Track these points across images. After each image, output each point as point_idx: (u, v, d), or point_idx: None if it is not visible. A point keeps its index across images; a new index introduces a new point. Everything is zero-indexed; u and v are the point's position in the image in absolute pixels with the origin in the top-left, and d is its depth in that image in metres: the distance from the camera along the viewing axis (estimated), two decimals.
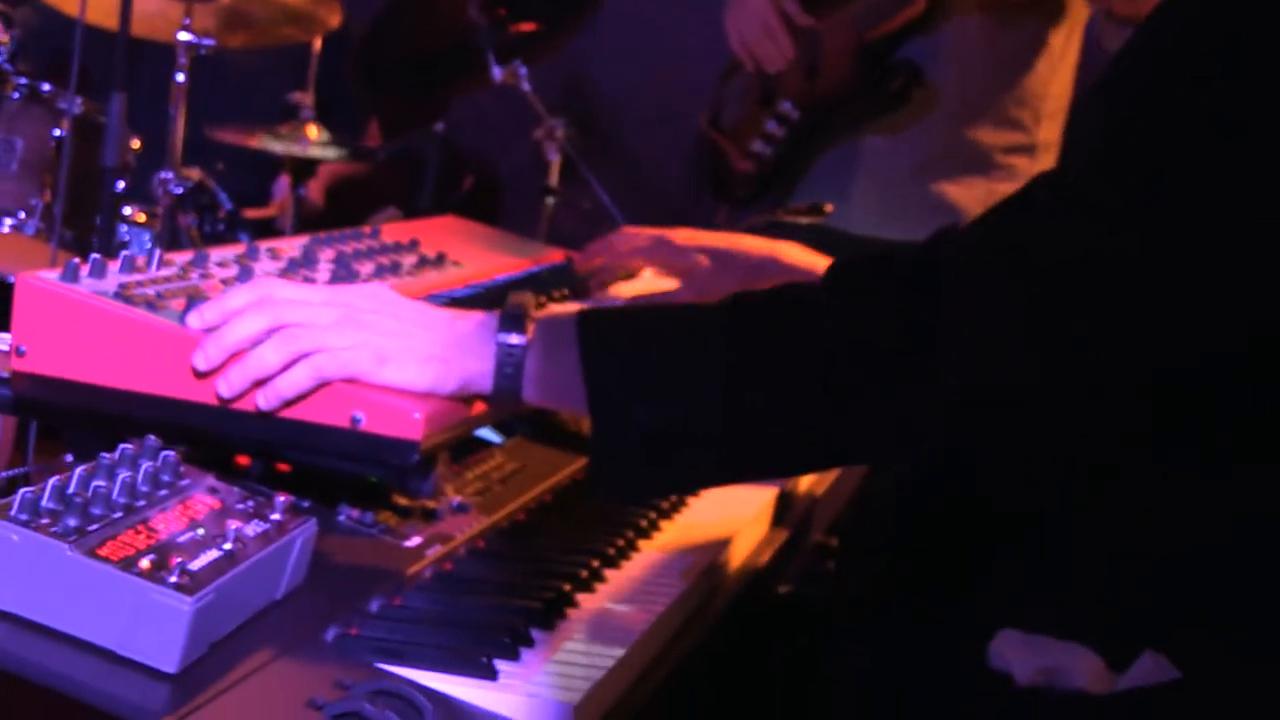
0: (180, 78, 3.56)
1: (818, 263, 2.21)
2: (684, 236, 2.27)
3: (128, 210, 3.79)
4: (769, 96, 3.65)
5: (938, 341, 1.38)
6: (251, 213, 4.10)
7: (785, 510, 2.02)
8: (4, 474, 2.52)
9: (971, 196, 3.52)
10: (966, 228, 1.48)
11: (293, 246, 1.87)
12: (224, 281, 1.63)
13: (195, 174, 3.68)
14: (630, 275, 2.37)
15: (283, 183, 4.36)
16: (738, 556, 1.83)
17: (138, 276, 1.56)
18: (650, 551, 1.72)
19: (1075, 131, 1.58)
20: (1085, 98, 1.56)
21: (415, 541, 1.54)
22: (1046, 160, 3.58)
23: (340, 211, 4.55)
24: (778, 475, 1.87)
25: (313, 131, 3.96)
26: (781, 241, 2.26)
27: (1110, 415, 1.45)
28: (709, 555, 1.73)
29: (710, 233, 2.30)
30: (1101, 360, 1.38)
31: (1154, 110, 1.40)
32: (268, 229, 4.24)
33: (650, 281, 2.36)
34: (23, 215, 3.56)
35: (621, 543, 1.68)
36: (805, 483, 2.11)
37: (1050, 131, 3.57)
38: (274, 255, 1.82)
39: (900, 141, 3.52)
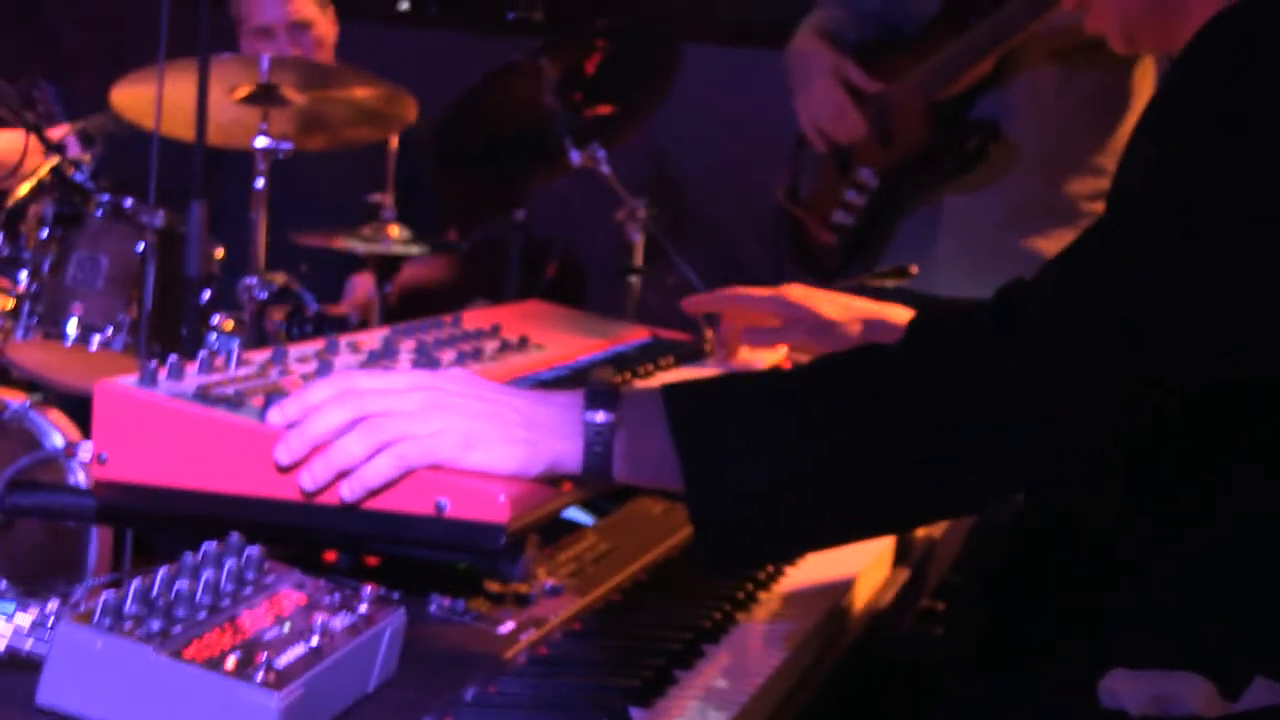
0: (260, 183, 3.59)
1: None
2: (799, 293, 2.27)
3: (215, 319, 3.82)
4: (846, 165, 3.63)
5: (1015, 384, 1.42)
6: (332, 309, 4.12)
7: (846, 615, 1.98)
8: (96, 581, 2.52)
9: (1061, 248, 3.47)
10: (1033, 277, 1.52)
11: (373, 339, 1.86)
12: (304, 377, 1.62)
13: (280, 278, 3.70)
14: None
15: (355, 281, 4.39)
16: (839, 623, 1.80)
17: (216, 376, 1.56)
18: (749, 623, 1.69)
19: (1125, 172, 1.63)
20: (1130, 140, 1.62)
21: (509, 627, 1.51)
22: None
23: (427, 310, 4.57)
24: (876, 531, 1.84)
25: (394, 230, 3.98)
26: (890, 304, 2.26)
27: (1181, 443, 1.49)
28: (806, 624, 1.69)
29: (822, 290, 2.30)
30: (1171, 389, 1.43)
31: (1188, 153, 1.47)
32: (352, 328, 4.27)
33: (753, 356, 2.35)
34: (110, 331, 3.59)
35: (719, 616, 1.65)
36: (866, 590, 2.05)
37: None
38: (354, 349, 1.81)
39: (982, 198, 3.49)
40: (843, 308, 2.26)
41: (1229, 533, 1.53)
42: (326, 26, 4.52)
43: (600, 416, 1.47)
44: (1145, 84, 3.51)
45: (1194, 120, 1.47)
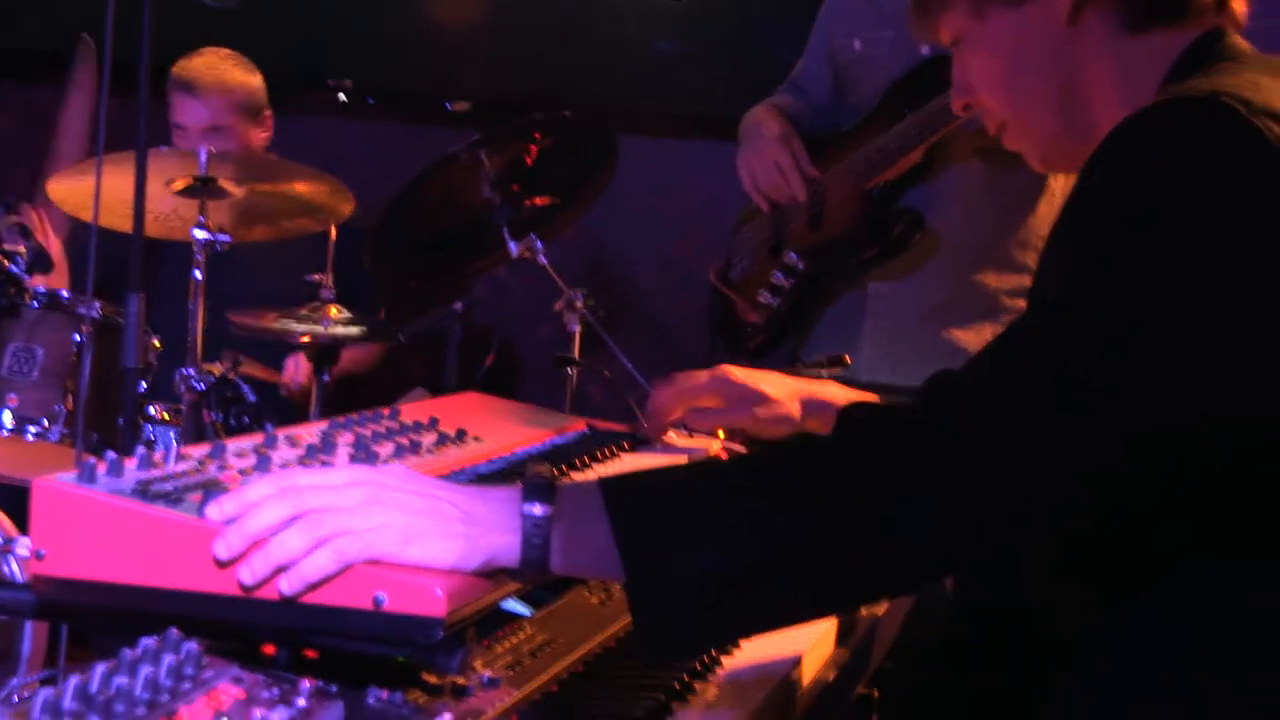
0: (198, 274, 3.59)
1: (863, 399, 2.26)
2: (740, 373, 2.32)
3: (152, 410, 3.82)
4: (777, 248, 3.69)
5: (944, 480, 1.45)
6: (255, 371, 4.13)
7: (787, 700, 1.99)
8: (33, 677, 2.50)
9: (980, 340, 3.54)
10: (961, 371, 1.55)
11: (310, 433, 1.88)
12: (242, 472, 1.63)
13: (218, 369, 3.70)
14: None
15: (291, 360, 4.39)
16: (777, 710, 1.81)
17: (155, 472, 1.57)
18: (686, 714, 1.70)
19: (1044, 271, 1.68)
20: (1049, 239, 1.68)
21: (446, 719, 1.52)
22: None
23: (365, 396, 4.57)
24: (816, 614, 1.86)
25: (334, 311, 3.98)
26: (826, 382, 2.31)
27: (1112, 531, 1.56)
28: (744, 713, 1.70)
29: (762, 371, 2.34)
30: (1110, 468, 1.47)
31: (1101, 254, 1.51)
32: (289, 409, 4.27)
33: (686, 440, 2.38)
34: (45, 423, 3.58)
35: (657, 707, 1.66)
36: (807, 673, 2.03)
37: None
38: (292, 442, 1.82)
39: (906, 287, 3.55)
40: (780, 385, 2.30)
41: (1170, 619, 1.56)
42: (251, 131, 4.52)
43: (538, 509, 1.49)
44: (1062, 183, 3.59)
45: (1104, 222, 1.52)
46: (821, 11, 3.86)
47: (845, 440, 1.54)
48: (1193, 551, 1.56)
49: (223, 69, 4.50)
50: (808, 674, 1.94)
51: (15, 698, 2.75)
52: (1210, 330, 1.46)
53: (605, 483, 1.51)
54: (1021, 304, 3.56)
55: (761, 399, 2.29)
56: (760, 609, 1.51)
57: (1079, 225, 1.58)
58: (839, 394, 2.30)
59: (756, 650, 1.89)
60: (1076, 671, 1.65)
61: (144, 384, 3.68)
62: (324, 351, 4.01)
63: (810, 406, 2.30)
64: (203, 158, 3.64)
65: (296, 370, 4.39)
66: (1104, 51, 1.76)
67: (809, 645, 1.95)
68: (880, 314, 3.59)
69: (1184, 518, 1.54)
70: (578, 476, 2.00)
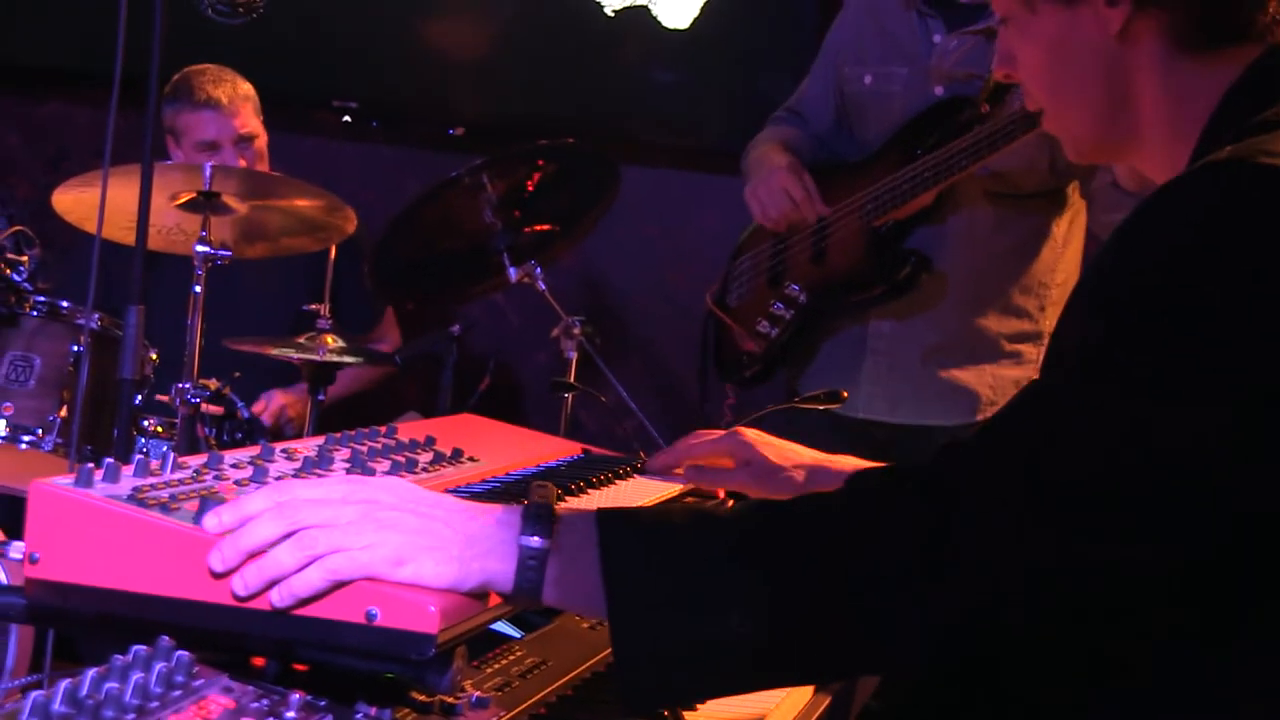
0: (197, 289, 3.59)
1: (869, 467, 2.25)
2: (752, 435, 2.31)
3: (146, 423, 3.81)
4: (776, 278, 3.70)
5: (953, 550, 1.42)
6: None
7: None
8: (18, 682, 2.49)
9: (980, 381, 3.55)
10: (974, 439, 1.52)
11: (308, 447, 1.87)
12: (238, 483, 1.63)
13: (213, 384, 3.70)
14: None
15: (271, 394, 4.39)
16: None
17: (152, 480, 1.56)
18: None
19: (1067, 331, 1.63)
20: (1067, 307, 1.64)
21: None
22: None
23: (359, 421, 4.57)
24: (798, 683, 1.86)
25: (330, 340, 3.99)
26: (838, 456, 2.29)
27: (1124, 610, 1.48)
28: None
29: (772, 437, 2.33)
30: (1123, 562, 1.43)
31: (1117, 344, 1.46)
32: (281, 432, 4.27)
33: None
34: (39, 432, 3.58)
35: None
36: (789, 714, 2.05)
37: (1055, 319, 3.60)
38: (289, 456, 1.82)
39: (908, 327, 3.56)
40: (791, 455, 2.28)
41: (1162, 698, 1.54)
42: (264, 136, 4.58)
43: (535, 541, 1.49)
44: (1074, 233, 3.61)
45: (1130, 309, 1.47)
46: (829, 38, 3.86)
47: (843, 517, 1.50)
48: (1182, 636, 1.53)
49: (231, 79, 4.56)
50: (789, 714, 1.93)
51: (7, 705, 2.75)
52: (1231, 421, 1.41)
53: (604, 524, 1.49)
54: (1022, 348, 3.57)
55: (768, 466, 2.27)
56: (744, 676, 1.51)
57: (1099, 305, 1.53)
58: (848, 464, 2.27)
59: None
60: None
61: (139, 397, 3.68)
62: (319, 372, 4.02)
63: (816, 475, 2.28)
64: (207, 172, 3.64)
65: (268, 406, 4.38)
66: (1155, 69, 1.69)
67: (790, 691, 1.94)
68: (880, 352, 3.60)
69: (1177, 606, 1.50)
70: (573, 501, 2.00)
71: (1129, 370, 1.43)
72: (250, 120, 4.53)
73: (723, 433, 2.33)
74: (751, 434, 2.30)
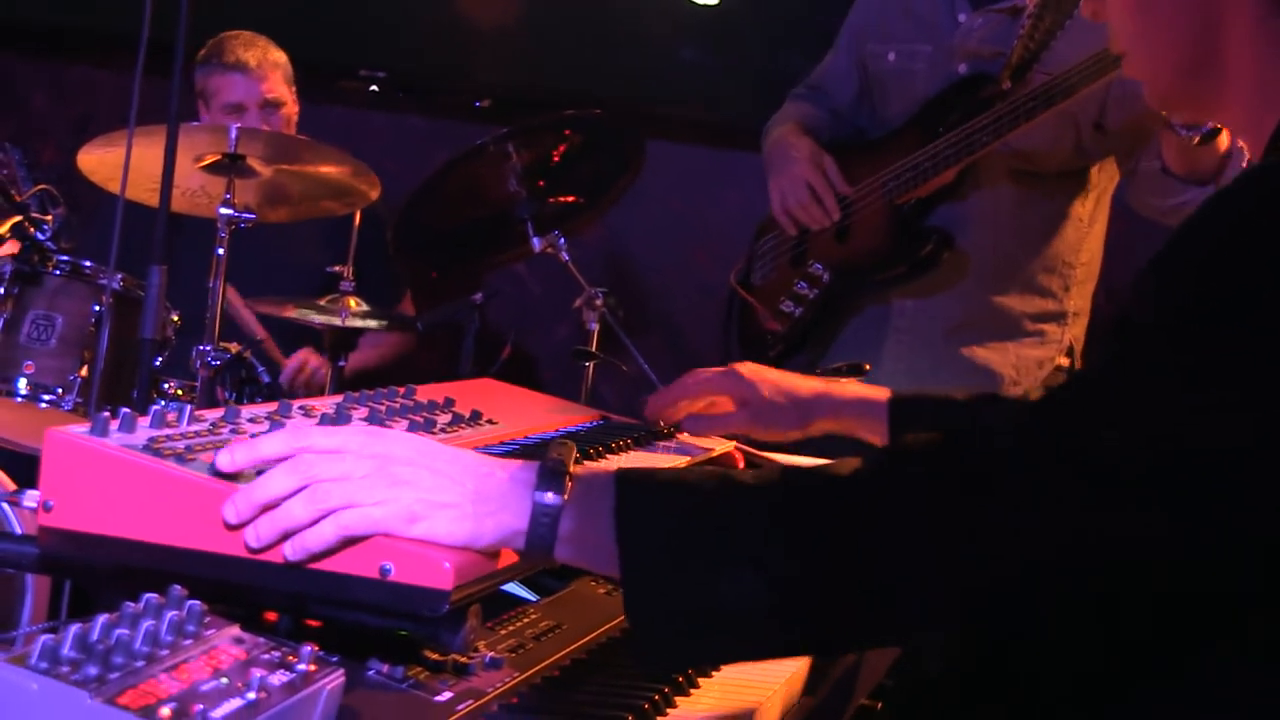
0: (220, 252, 3.59)
1: (872, 394, 2.24)
2: (749, 370, 2.30)
3: (166, 385, 3.82)
4: (799, 257, 3.68)
5: (982, 523, 1.38)
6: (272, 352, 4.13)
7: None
8: (31, 629, 2.48)
9: (1003, 360, 3.53)
10: (1015, 418, 1.49)
11: (326, 404, 1.86)
12: (254, 437, 1.62)
13: (234, 347, 3.70)
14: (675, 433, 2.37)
15: (295, 360, 4.39)
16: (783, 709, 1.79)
17: (168, 431, 1.56)
18: (688, 708, 1.68)
19: (1127, 312, 1.55)
20: (1139, 277, 1.55)
21: (446, 697, 1.51)
22: (1076, 327, 3.59)
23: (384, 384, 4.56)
24: (812, 653, 1.84)
25: (352, 303, 3.99)
26: (837, 380, 2.29)
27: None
28: (748, 711, 1.69)
29: (772, 369, 2.32)
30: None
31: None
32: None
33: (701, 440, 2.36)
34: (59, 391, 3.58)
35: (658, 699, 1.64)
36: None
37: (1079, 299, 3.59)
38: (307, 413, 1.81)
39: (930, 305, 3.54)
40: (789, 387, 2.28)
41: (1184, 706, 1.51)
42: (293, 106, 4.59)
43: (550, 497, 1.47)
44: (1099, 213, 3.59)
45: (1185, 302, 1.41)
46: (853, 15, 3.84)
47: (869, 485, 1.46)
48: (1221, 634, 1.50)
49: (263, 45, 4.59)
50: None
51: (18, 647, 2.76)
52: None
53: (621, 483, 1.47)
54: (1045, 327, 3.55)
55: (766, 405, 2.27)
56: (757, 641, 1.48)
57: (1158, 285, 1.46)
58: (853, 389, 2.28)
59: None
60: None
61: (159, 358, 3.68)
62: (341, 338, 4.02)
63: (819, 407, 2.28)
64: (233, 134, 3.64)
65: (299, 371, 4.38)
66: (1249, 25, 1.60)
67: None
68: (903, 330, 3.58)
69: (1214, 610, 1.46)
70: (591, 465, 1.99)
71: (1174, 363, 1.38)
72: (278, 87, 4.54)
73: (720, 370, 2.32)
74: (749, 369, 2.30)
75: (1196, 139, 2.79)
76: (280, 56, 4.60)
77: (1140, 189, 3.33)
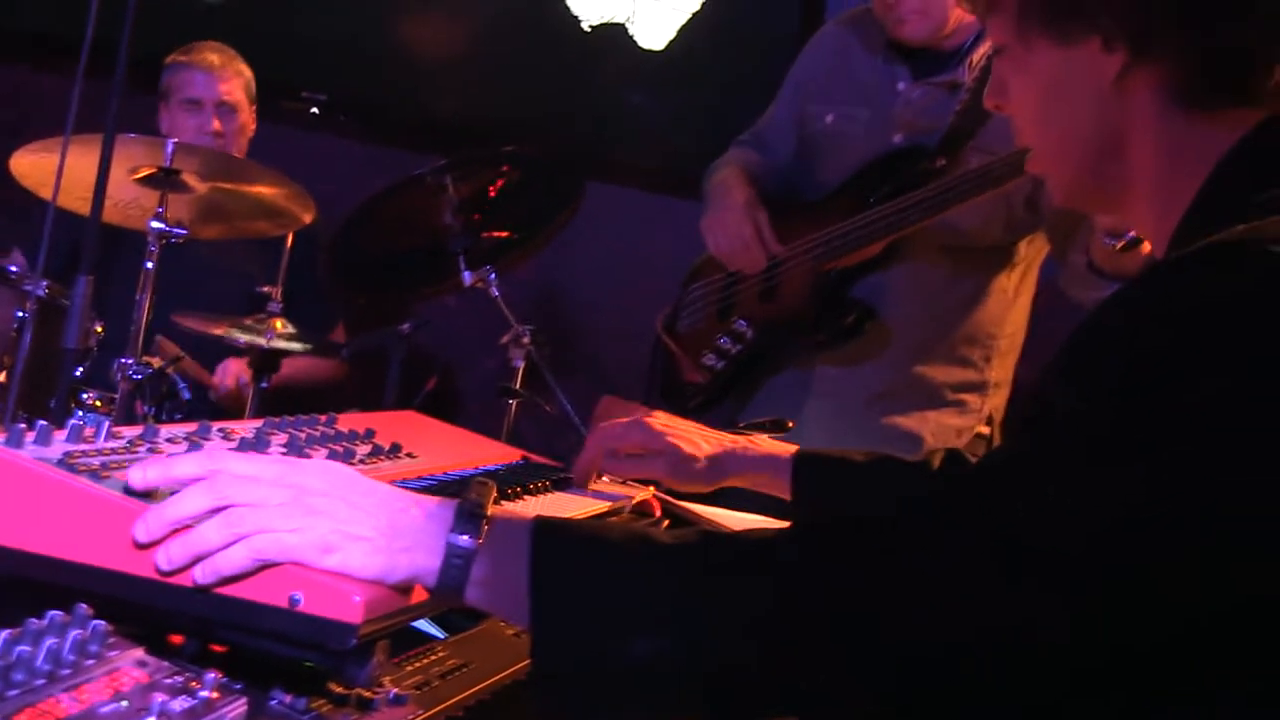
0: (149, 265, 3.57)
1: (779, 450, 2.27)
2: (660, 423, 2.31)
3: (85, 396, 3.78)
4: (726, 310, 3.70)
5: (901, 604, 1.36)
6: (191, 369, 4.10)
7: None
8: None
9: (923, 427, 3.56)
10: (933, 495, 1.47)
11: (245, 428, 1.86)
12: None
13: (156, 362, 3.67)
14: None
15: (227, 364, 4.36)
16: None
17: (84, 446, 1.55)
18: None
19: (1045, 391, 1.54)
20: (1045, 371, 1.54)
21: None
22: (997, 398, 3.63)
23: (302, 409, 4.54)
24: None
25: (279, 324, 3.97)
26: (748, 435, 2.30)
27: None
28: None
29: (685, 421, 2.32)
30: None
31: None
32: (220, 413, 4.23)
33: (617, 486, 2.36)
34: None
35: None
36: None
37: (1001, 370, 3.63)
38: (226, 435, 1.80)
39: (853, 373, 3.57)
40: (699, 442, 2.29)
41: None
42: (249, 117, 4.62)
43: (465, 540, 1.46)
44: (1025, 286, 3.63)
45: (1123, 384, 1.39)
46: (795, 72, 3.87)
47: (788, 558, 1.44)
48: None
49: (232, 55, 4.71)
50: None
51: None
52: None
53: (537, 532, 1.46)
54: (966, 397, 3.58)
55: (681, 456, 2.28)
56: (664, 705, 1.45)
57: (1090, 364, 1.44)
58: (769, 445, 2.29)
59: None
60: None
61: (80, 369, 3.65)
62: (265, 359, 3.99)
63: (729, 463, 2.29)
64: (169, 149, 3.62)
65: (225, 375, 4.36)
66: (1150, 122, 1.63)
67: None
68: (825, 395, 3.60)
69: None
70: (509, 506, 1.99)
71: (1113, 442, 1.37)
72: (237, 92, 4.65)
73: (629, 418, 2.33)
74: (660, 422, 2.31)
75: (1120, 245, 2.80)
76: (245, 69, 4.71)
77: (1069, 280, 3.37)
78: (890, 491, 2.13)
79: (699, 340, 3.77)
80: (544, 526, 1.48)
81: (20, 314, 3.58)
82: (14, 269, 3.63)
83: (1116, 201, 1.72)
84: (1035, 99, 1.73)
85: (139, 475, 1.43)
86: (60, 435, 1.55)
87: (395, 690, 1.62)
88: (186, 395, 3.90)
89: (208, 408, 4.19)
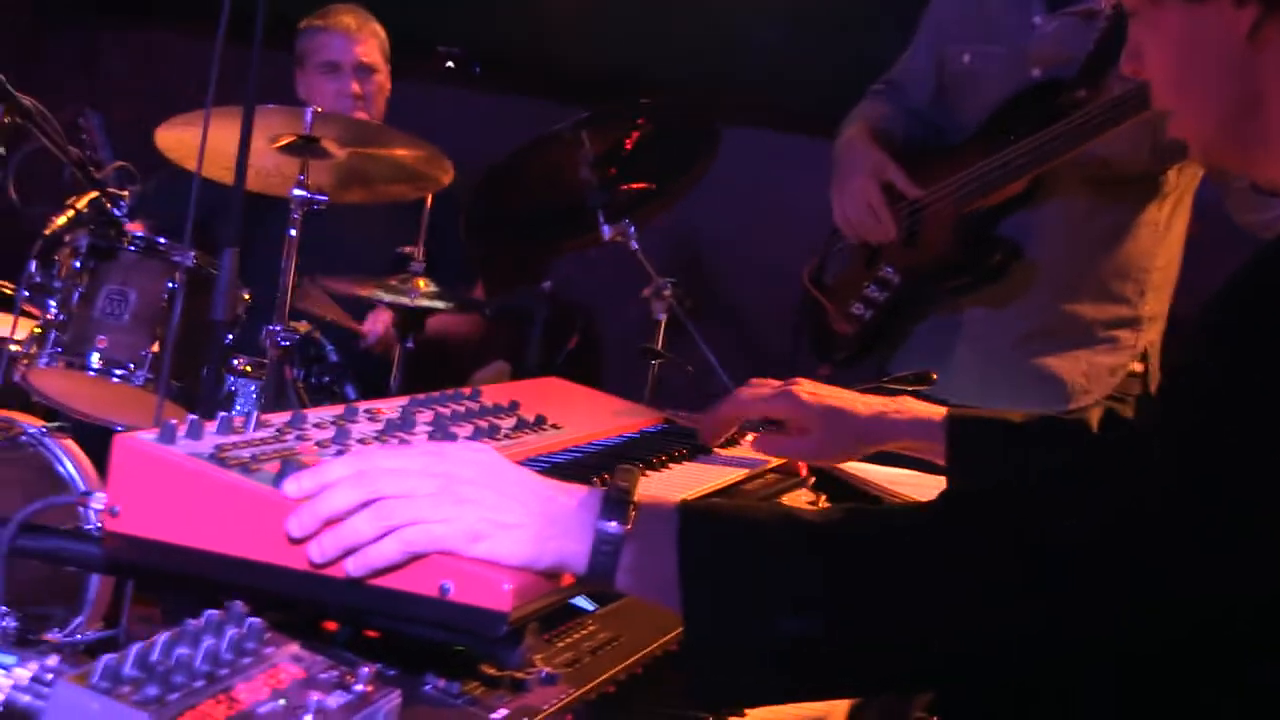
0: (292, 232, 3.61)
1: (928, 413, 2.24)
2: (807, 391, 2.27)
3: (235, 361, 3.84)
4: (872, 259, 3.66)
5: (1039, 572, 1.40)
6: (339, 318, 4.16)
7: None
8: (94, 635, 2.51)
9: (1074, 369, 3.49)
10: (1078, 491, 1.47)
11: (391, 408, 1.87)
12: (319, 444, 1.63)
13: (303, 326, 3.72)
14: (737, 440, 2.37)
15: (376, 314, 4.41)
16: None
17: (234, 438, 1.57)
18: None
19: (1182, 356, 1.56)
20: (1194, 323, 1.56)
21: (501, 714, 1.51)
22: (1152, 333, 3.54)
23: (446, 361, 4.59)
24: (863, 695, 1.85)
25: (422, 283, 4.01)
26: (895, 399, 2.27)
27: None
28: None
29: (830, 388, 2.30)
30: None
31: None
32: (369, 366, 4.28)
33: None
34: (131, 366, 3.61)
35: (711, 718, 1.65)
36: None
37: (1156, 304, 3.54)
38: (372, 417, 1.82)
39: (1001, 314, 3.50)
40: (846, 409, 2.24)
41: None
42: (385, 77, 4.66)
43: (613, 526, 1.48)
44: (1177, 216, 3.53)
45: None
46: (932, 13, 3.80)
47: (930, 534, 1.48)
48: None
49: (365, 15, 4.74)
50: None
51: (78, 636, 2.79)
52: None
53: (685, 514, 1.49)
54: (1119, 333, 3.51)
55: (820, 432, 2.25)
56: (811, 684, 1.50)
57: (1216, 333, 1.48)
58: (916, 408, 2.25)
59: None
60: None
61: (230, 336, 3.71)
62: (409, 317, 4.03)
63: (876, 430, 2.26)
64: (308, 117, 3.66)
65: (375, 322, 4.42)
66: None
67: None
68: (974, 338, 3.55)
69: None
70: (653, 475, 2.00)
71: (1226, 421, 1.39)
72: (374, 53, 4.68)
73: (777, 386, 2.30)
74: (805, 390, 2.26)
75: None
76: (380, 30, 4.73)
77: (1235, 205, 3.27)
78: (1048, 456, 2.10)
79: (846, 290, 3.74)
80: (690, 510, 1.50)
81: (170, 284, 3.64)
82: (96, 125, 3.68)
83: (1257, 159, 1.68)
84: (1169, 61, 1.70)
85: (294, 487, 1.45)
86: (211, 428, 1.57)
87: (547, 670, 1.63)
88: (334, 358, 3.96)
89: (354, 364, 4.23)
